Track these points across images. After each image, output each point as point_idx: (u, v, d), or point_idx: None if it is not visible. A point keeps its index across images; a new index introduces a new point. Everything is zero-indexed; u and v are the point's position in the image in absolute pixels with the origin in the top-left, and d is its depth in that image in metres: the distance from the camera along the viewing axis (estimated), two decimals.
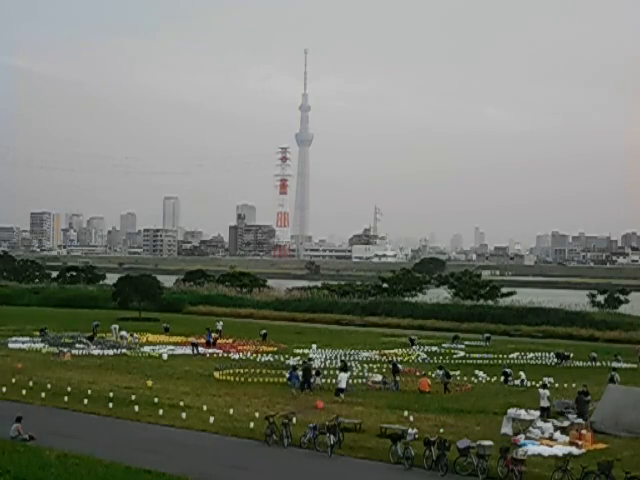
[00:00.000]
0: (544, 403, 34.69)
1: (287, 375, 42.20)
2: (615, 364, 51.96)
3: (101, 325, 65.51)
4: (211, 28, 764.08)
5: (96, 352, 53.82)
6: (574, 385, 41.92)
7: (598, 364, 53.08)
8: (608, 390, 34.14)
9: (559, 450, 28.09)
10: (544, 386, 37.52)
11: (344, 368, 42.33)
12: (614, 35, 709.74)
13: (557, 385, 42.49)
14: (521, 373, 44.94)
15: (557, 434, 30.59)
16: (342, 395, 38.64)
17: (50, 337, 60.55)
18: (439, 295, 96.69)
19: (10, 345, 56.47)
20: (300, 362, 46.65)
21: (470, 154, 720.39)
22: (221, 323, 66.11)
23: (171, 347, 57.34)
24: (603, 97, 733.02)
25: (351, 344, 61.50)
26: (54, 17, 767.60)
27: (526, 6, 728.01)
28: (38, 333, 61.78)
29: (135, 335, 60.26)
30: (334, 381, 43.14)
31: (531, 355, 57.35)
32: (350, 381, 41.34)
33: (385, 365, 48.86)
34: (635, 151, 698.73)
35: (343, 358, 49.77)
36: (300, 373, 41.51)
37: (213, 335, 60.62)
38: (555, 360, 54.12)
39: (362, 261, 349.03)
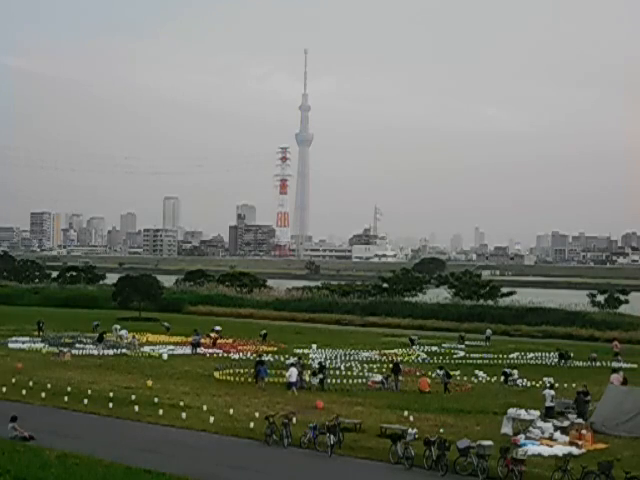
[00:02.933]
0: (549, 403, 34.70)
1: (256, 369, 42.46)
2: (615, 364, 51.98)
3: (101, 325, 65.57)
4: (211, 28, 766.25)
5: (96, 352, 53.82)
6: (574, 385, 41.92)
7: (598, 364, 53.09)
8: (608, 390, 34.13)
9: (559, 450, 28.08)
10: (551, 386, 37.61)
11: (321, 370, 42.38)
12: (614, 34, 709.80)
13: (557, 385, 42.45)
14: (514, 371, 45.08)
15: (557, 434, 30.60)
16: (294, 389, 39.32)
17: (50, 337, 60.54)
18: (439, 295, 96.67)
19: (10, 345, 56.48)
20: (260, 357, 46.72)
21: (470, 153, 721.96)
22: (218, 327, 65.50)
23: (171, 347, 57.38)
24: (603, 96, 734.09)
25: (351, 344, 61.50)
26: (54, 17, 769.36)
27: (524, 6, 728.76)
28: (35, 327, 61.70)
29: (135, 337, 59.90)
30: (337, 381, 43.32)
31: (531, 355, 57.36)
32: (350, 381, 41.29)
33: (386, 365, 48.83)
34: (635, 151, 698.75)
35: (321, 360, 49.31)
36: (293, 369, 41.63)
37: (212, 335, 60.61)
38: (557, 360, 54.09)
39: (362, 261, 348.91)
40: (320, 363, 45.55)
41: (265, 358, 50.93)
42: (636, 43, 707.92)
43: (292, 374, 40.15)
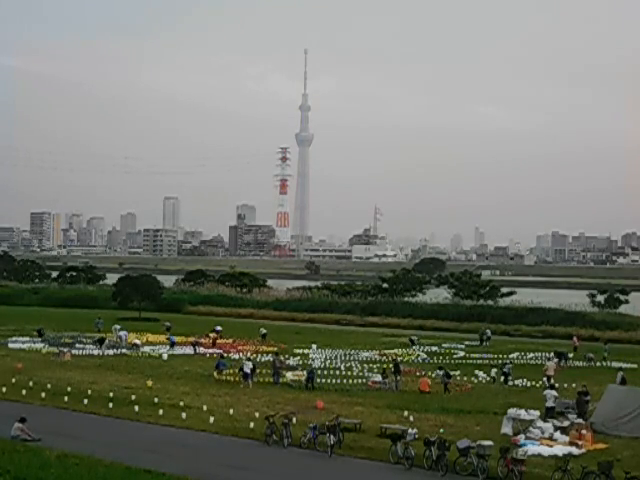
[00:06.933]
0: (549, 403, 34.71)
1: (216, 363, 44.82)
2: (613, 362, 52.10)
3: (104, 322, 65.47)
4: (211, 28, 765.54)
5: (96, 352, 53.81)
6: (574, 385, 41.94)
7: (598, 364, 53.12)
8: (608, 390, 34.13)
9: (559, 450, 28.08)
10: (552, 386, 37.62)
11: (310, 371, 42.42)
12: (611, 32, 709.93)
13: (557, 385, 42.45)
14: (492, 371, 45.45)
15: (557, 434, 30.60)
16: (249, 381, 40.95)
17: (50, 337, 60.43)
18: (439, 295, 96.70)
19: (10, 345, 56.46)
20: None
21: (470, 153, 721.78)
22: (219, 327, 65.49)
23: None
24: (603, 95, 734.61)
25: (351, 344, 61.51)
26: (55, 17, 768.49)
27: (522, 5, 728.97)
28: (36, 334, 61.08)
29: (137, 341, 59.52)
30: (333, 381, 43.34)
31: (531, 355, 57.36)
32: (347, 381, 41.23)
33: (386, 365, 48.82)
34: (635, 150, 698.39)
35: (311, 362, 49.04)
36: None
37: (212, 335, 60.63)
38: (556, 360, 54.10)
39: (362, 261, 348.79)
40: (310, 365, 45.62)
41: (266, 358, 51.12)
42: (633, 41, 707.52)
43: (246, 367, 41.85)
